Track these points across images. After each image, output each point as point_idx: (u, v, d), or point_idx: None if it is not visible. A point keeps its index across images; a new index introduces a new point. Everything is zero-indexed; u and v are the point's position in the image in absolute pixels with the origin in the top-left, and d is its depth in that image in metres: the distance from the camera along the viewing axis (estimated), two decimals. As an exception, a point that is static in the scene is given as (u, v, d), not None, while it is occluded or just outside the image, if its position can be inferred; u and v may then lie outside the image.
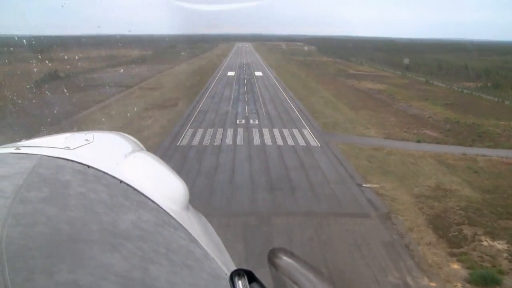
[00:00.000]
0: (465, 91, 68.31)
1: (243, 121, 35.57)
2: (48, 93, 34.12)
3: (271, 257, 1.54)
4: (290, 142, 29.20)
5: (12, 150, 1.20)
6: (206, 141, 28.62)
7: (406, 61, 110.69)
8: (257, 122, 35.09)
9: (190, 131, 31.39)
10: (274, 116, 37.97)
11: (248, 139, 29.63)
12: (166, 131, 30.94)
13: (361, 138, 31.43)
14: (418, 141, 31.58)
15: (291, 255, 1.62)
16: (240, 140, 29.14)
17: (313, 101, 47.27)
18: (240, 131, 31.79)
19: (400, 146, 29.92)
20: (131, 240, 0.88)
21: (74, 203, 0.93)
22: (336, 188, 20.91)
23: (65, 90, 38.01)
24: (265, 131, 31.84)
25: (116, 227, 0.90)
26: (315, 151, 27.28)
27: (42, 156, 1.14)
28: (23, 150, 1.20)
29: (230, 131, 31.61)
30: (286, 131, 32.06)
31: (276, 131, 31.95)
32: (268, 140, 29.36)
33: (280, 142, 29.09)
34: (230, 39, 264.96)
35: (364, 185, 21.67)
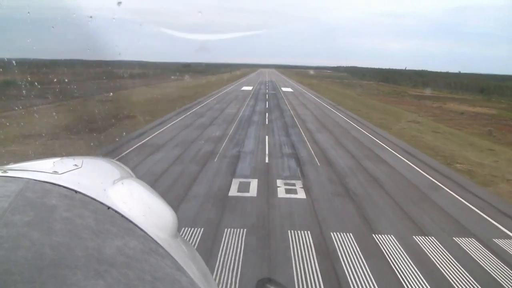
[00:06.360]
0: None
1: (254, 189, 10.71)
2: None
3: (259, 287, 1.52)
4: None
5: None
6: None
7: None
8: (296, 195, 10.16)
9: None
10: (344, 174, 12.90)
11: None
12: None
13: None
14: None
15: (280, 286, 1.45)
16: None
17: (408, 131, 22.05)
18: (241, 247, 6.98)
19: None
20: (116, 267, 0.85)
21: (59, 228, 0.91)
22: None
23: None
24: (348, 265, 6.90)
25: (101, 253, 0.88)
26: None
27: (29, 180, 1.12)
28: (10, 174, 1.17)
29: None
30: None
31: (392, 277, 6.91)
32: None
33: None
34: (251, 67, 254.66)
35: None
